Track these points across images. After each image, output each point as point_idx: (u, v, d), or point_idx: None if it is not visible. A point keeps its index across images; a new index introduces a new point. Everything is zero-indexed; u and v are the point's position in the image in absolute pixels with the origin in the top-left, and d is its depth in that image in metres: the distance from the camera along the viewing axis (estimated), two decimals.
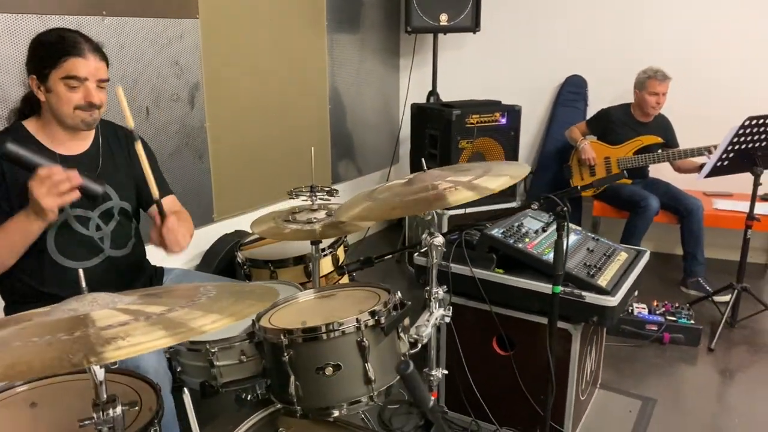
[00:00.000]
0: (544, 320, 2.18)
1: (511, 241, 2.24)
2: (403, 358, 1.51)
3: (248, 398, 1.48)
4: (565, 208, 1.59)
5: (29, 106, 1.81)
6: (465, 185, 1.51)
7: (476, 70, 4.61)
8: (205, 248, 3.20)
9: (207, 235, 3.23)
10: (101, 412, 0.95)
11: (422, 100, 4.44)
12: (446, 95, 4.37)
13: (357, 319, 1.35)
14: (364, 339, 1.34)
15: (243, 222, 3.43)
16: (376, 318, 1.36)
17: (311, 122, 3.99)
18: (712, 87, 4.02)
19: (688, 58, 4.01)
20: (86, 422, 0.96)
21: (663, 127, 3.74)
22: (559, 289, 1.69)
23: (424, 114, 3.75)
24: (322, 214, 1.90)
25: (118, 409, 0.97)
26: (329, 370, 1.34)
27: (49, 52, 1.69)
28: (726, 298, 3.24)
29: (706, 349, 3.02)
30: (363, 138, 4.61)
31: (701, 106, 3.99)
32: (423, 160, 1.66)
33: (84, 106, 1.72)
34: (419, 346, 1.58)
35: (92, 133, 1.90)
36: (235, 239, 3.18)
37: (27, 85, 1.79)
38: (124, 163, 1.97)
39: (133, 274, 1.96)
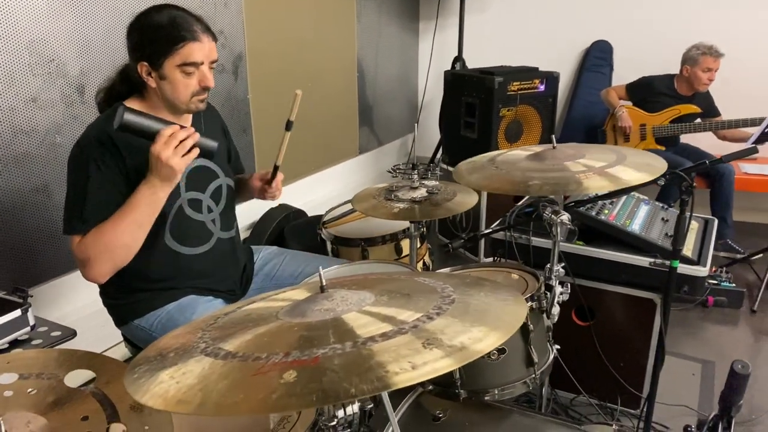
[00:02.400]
0: (623, 290, 2.22)
1: (593, 213, 2.24)
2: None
3: None
4: (693, 185, 1.59)
5: (127, 86, 1.71)
6: (599, 173, 1.48)
7: (500, 35, 4.55)
8: (250, 222, 3.14)
9: (252, 209, 3.16)
10: (342, 409, 0.93)
11: (445, 66, 4.36)
12: (471, 62, 4.31)
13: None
14: (529, 323, 1.34)
15: (284, 195, 3.36)
16: (538, 301, 1.36)
17: (341, 92, 3.90)
18: (745, 58, 4.03)
19: (717, 28, 4.02)
20: (329, 423, 0.93)
21: (706, 101, 3.76)
22: (677, 263, 1.70)
23: (460, 81, 3.68)
24: (423, 192, 1.86)
25: (356, 406, 0.94)
26: (495, 354, 1.33)
27: (163, 37, 1.57)
28: (756, 256, 3.37)
29: (748, 310, 3.12)
30: (385, 107, 4.54)
31: (739, 79, 4.01)
32: (553, 136, 1.63)
33: (199, 91, 1.64)
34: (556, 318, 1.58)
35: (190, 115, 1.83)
36: (282, 213, 3.13)
37: (120, 65, 1.70)
38: (220, 141, 1.91)
39: (237, 258, 1.93)
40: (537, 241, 2.26)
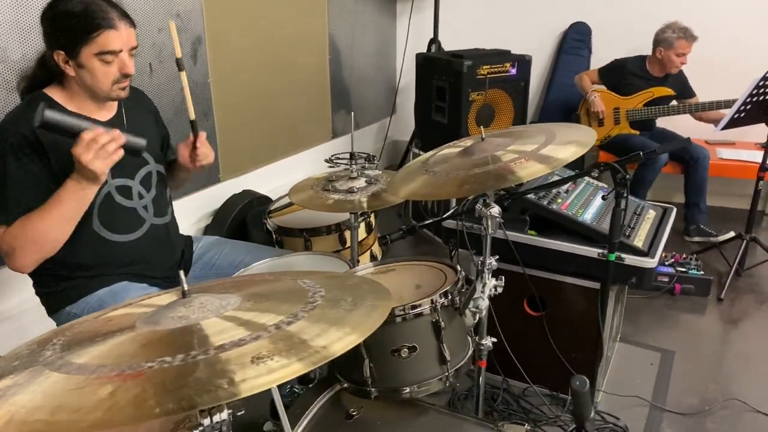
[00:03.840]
0: (575, 281, 2.19)
1: (545, 203, 2.20)
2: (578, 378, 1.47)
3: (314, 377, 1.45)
4: (627, 177, 1.54)
5: (47, 74, 1.67)
6: (533, 156, 1.45)
7: (477, 17, 4.47)
8: (212, 209, 3.11)
9: (214, 196, 3.13)
10: (209, 417, 0.90)
11: (421, 48, 4.29)
12: (447, 44, 4.23)
13: (432, 300, 1.31)
14: (440, 320, 1.31)
15: (249, 181, 3.33)
16: (450, 298, 1.33)
17: (312, 75, 3.84)
18: (725, 38, 3.95)
19: (696, 8, 3.93)
20: (196, 430, 0.90)
21: (679, 82, 3.69)
22: (614, 256, 1.67)
23: (431, 64, 3.62)
24: (362, 182, 1.82)
25: (225, 413, 0.92)
26: (405, 352, 1.30)
27: (77, 26, 1.54)
28: (728, 236, 3.38)
29: (715, 299, 3.09)
30: (360, 90, 4.47)
31: (717, 58, 3.93)
32: (482, 128, 1.59)
33: (120, 79, 1.61)
34: (477, 318, 1.56)
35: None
36: (244, 200, 3.09)
37: (39, 51, 1.66)
38: (150, 127, 1.89)
39: (172, 244, 1.90)
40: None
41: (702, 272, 3.11)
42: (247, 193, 3.15)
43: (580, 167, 3.70)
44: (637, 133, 3.72)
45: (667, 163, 3.58)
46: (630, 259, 2.03)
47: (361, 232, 2.09)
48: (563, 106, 4.21)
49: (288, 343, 0.79)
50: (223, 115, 3.12)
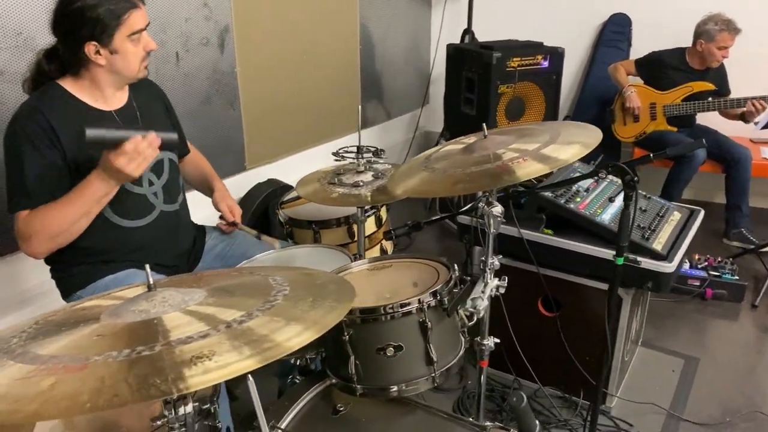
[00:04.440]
0: (591, 283, 2.13)
1: (562, 201, 2.15)
2: (516, 391, 1.47)
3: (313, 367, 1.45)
4: (636, 179, 1.49)
5: (59, 67, 1.71)
6: (534, 155, 1.41)
7: (513, 7, 4.36)
8: (236, 197, 3.15)
9: (239, 184, 3.17)
10: (173, 410, 0.92)
11: (456, 39, 4.23)
12: (481, 34, 4.16)
13: (419, 300, 1.29)
14: (427, 320, 1.29)
15: (275, 170, 3.36)
16: (439, 298, 1.31)
17: (341, 64, 3.83)
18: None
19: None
20: (158, 422, 0.92)
21: (720, 75, 3.53)
22: (622, 260, 1.61)
23: (461, 55, 3.57)
24: (368, 176, 1.81)
25: (190, 407, 0.93)
26: (390, 351, 1.29)
27: (108, 13, 1.58)
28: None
29: (749, 305, 2.96)
30: (392, 79, 4.44)
31: (756, 52, 3.74)
32: (484, 125, 1.55)
33: (145, 57, 1.68)
34: (475, 318, 1.53)
35: (126, 87, 1.82)
36: (269, 189, 3.13)
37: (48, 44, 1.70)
38: (161, 115, 1.92)
39: (182, 231, 1.93)
40: (504, 229, 2.19)
41: (737, 277, 2.98)
42: (271, 182, 3.18)
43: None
44: (675, 129, 3.58)
45: (704, 162, 3.43)
46: (646, 263, 1.97)
47: (371, 226, 2.09)
48: (599, 100, 4.09)
49: (242, 339, 0.79)
50: (249, 104, 3.16)
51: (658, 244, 2.04)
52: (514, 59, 3.31)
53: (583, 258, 2.08)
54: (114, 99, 1.75)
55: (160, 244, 1.84)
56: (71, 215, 1.56)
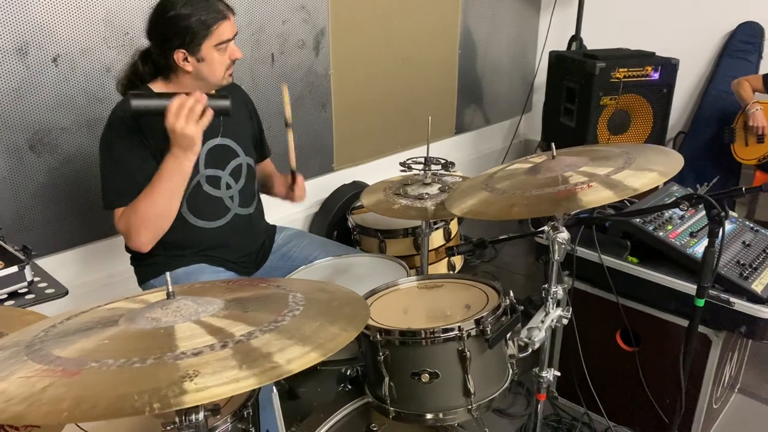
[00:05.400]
0: (676, 319, 1.94)
1: (650, 228, 1.97)
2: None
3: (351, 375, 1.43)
4: (723, 214, 1.32)
5: (152, 70, 1.81)
6: (603, 181, 1.29)
7: (627, 14, 4.08)
8: (323, 197, 3.20)
9: (325, 184, 3.22)
10: (183, 416, 0.92)
11: (563, 45, 4.04)
12: (590, 42, 3.93)
13: (459, 327, 1.22)
14: (466, 349, 1.22)
15: (361, 172, 3.38)
16: (482, 327, 1.23)
17: (439, 68, 3.77)
18: None
19: None
20: (169, 426, 0.93)
21: None
22: (703, 302, 1.44)
23: (563, 63, 3.39)
24: (435, 189, 1.76)
25: (201, 415, 0.93)
26: (425, 377, 1.24)
27: (198, 24, 1.66)
28: None
29: None
30: (493, 84, 4.32)
31: None
32: (552, 144, 1.45)
33: (229, 65, 1.74)
34: (529, 350, 1.44)
35: (213, 90, 1.89)
36: (353, 190, 3.14)
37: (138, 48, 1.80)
38: (244, 121, 1.97)
39: (254, 233, 1.99)
40: (583, 252, 2.06)
41: None
42: (356, 185, 3.20)
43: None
44: None
45: None
46: (741, 305, 1.76)
47: (439, 239, 2.03)
48: (718, 117, 3.72)
49: (245, 357, 0.78)
50: (341, 106, 3.19)
51: (759, 285, 1.82)
52: (620, 70, 3.10)
53: (669, 292, 1.90)
54: None
55: (231, 244, 1.90)
56: (158, 199, 1.63)
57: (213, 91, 1.80)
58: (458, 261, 2.12)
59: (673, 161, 1.31)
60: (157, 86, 1.79)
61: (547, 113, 3.65)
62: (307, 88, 3.02)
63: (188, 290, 0.99)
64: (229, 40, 1.71)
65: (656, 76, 3.14)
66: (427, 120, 2.06)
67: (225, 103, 1.65)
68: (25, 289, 1.54)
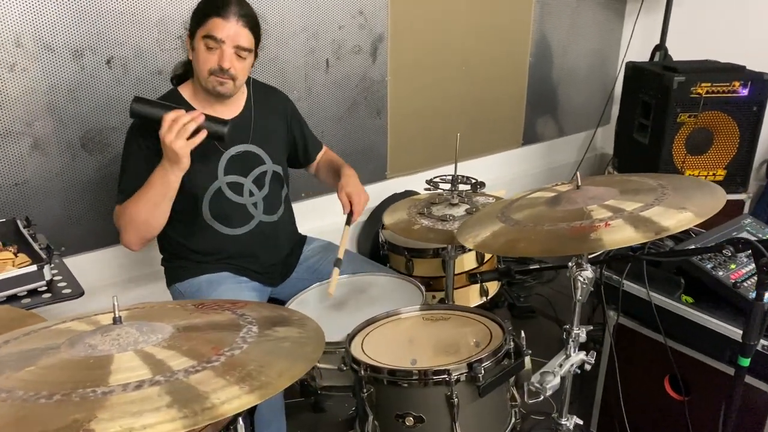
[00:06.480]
0: (730, 370, 1.72)
1: (708, 266, 1.77)
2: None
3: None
4: None
5: (186, 71, 1.82)
6: (628, 218, 1.15)
7: (719, 23, 3.73)
8: (372, 205, 3.13)
9: (377, 192, 3.15)
10: None
11: (646, 55, 3.75)
12: (677, 53, 3.63)
13: (448, 371, 1.12)
14: (455, 395, 1.12)
15: (415, 182, 3.28)
16: (473, 374, 1.12)
17: (505, 76, 3.61)
18: None
19: None
20: None
21: None
22: (747, 362, 1.26)
23: (640, 75, 3.15)
24: (461, 210, 1.64)
25: None
26: (410, 421, 1.15)
27: (200, 10, 1.69)
28: None
29: None
30: (569, 94, 4.09)
31: None
32: (578, 173, 1.31)
33: (216, 71, 1.67)
34: (541, 397, 1.31)
35: (243, 96, 1.87)
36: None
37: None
38: (277, 128, 1.94)
39: (280, 241, 1.96)
40: (632, 287, 1.88)
41: None
42: (407, 194, 3.11)
43: None
44: None
45: None
46: None
47: (470, 262, 1.90)
48: None
49: (178, 396, 0.74)
50: (397, 113, 3.12)
51: None
52: (703, 84, 2.83)
53: (724, 340, 1.69)
54: (224, 109, 1.80)
55: (256, 252, 1.88)
56: (142, 206, 1.64)
57: (238, 108, 1.79)
58: (492, 286, 1.98)
59: (712, 200, 1.15)
60: (185, 89, 1.80)
61: (621, 128, 3.41)
62: (362, 95, 2.97)
63: (145, 314, 0.95)
64: (216, 39, 1.64)
65: (745, 92, 2.84)
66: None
67: (221, 129, 1.62)
68: (44, 288, 1.58)
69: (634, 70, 3.21)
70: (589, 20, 3.98)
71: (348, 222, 1.80)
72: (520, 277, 2.96)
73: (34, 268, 1.55)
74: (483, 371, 1.11)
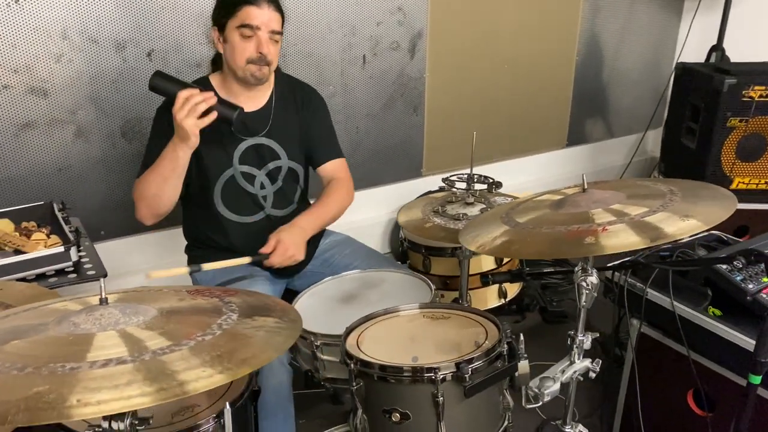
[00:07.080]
0: (759, 390, 1.64)
1: (738, 278, 1.69)
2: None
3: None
4: None
5: (217, 60, 1.87)
6: (632, 223, 1.11)
7: None
8: (406, 201, 3.12)
9: (412, 189, 3.16)
10: (109, 423, 0.93)
11: (702, 56, 3.60)
12: (735, 54, 3.46)
13: (434, 368, 1.11)
14: (440, 394, 1.11)
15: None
16: (460, 374, 1.11)
17: (550, 74, 3.53)
18: None
19: None
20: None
21: None
22: (759, 380, 1.19)
23: (689, 77, 3.01)
24: (476, 210, 1.62)
25: (128, 422, 0.93)
26: (396, 417, 1.15)
27: (227, 2, 1.71)
28: None
29: None
30: (618, 95, 3.97)
31: None
32: (584, 175, 1.27)
33: (255, 59, 1.71)
34: (540, 402, 1.29)
35: (270, 89, 1.90)
36: None
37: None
38: (297, 123, 1.95)
39: None
40: (656, 296, 1.82)
41: None
42: (442, 191, 3.10)
43: None
44: None
45: None
46: None
47: (489, 263, 1.87)
48: None
49: (149, 373, 0.77)
50: (434, 110, 3.11)
51: None
52: (756, 87, 2.69)
53: (749, 356, 1.60)
54: (250, 99, 1.83)
55: (264, 243, 1.90)
56: (152, 179, 1.70)
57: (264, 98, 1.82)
58: (512, 288, 1.94)
59: (722, 208, 1.09)
60: (215, 78, 1.85)
61: (668, 131, 3.28)
62: (399, 91, 2.98)
63: (138, 297, 0.99)
64: (252, 27, 1.67)
65: None
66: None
67: (230, 113, 1.65)
68: (71, 268, 1.66)
69: (684, 71, 3.08)
70: (643, 19, 3.84)
71: (254, 263, 1.72)
72: (554, 281, 2.90)
73: (62, 249, 1.63)
74: (470, 372, 1.10)
